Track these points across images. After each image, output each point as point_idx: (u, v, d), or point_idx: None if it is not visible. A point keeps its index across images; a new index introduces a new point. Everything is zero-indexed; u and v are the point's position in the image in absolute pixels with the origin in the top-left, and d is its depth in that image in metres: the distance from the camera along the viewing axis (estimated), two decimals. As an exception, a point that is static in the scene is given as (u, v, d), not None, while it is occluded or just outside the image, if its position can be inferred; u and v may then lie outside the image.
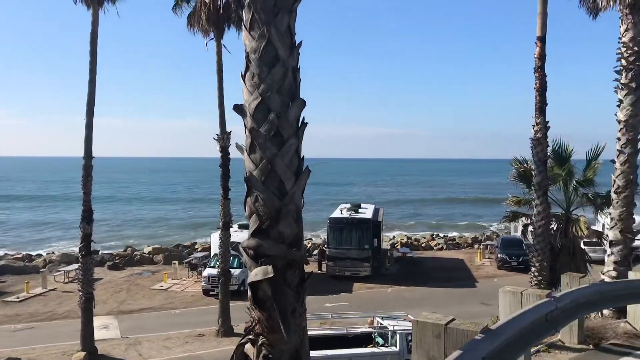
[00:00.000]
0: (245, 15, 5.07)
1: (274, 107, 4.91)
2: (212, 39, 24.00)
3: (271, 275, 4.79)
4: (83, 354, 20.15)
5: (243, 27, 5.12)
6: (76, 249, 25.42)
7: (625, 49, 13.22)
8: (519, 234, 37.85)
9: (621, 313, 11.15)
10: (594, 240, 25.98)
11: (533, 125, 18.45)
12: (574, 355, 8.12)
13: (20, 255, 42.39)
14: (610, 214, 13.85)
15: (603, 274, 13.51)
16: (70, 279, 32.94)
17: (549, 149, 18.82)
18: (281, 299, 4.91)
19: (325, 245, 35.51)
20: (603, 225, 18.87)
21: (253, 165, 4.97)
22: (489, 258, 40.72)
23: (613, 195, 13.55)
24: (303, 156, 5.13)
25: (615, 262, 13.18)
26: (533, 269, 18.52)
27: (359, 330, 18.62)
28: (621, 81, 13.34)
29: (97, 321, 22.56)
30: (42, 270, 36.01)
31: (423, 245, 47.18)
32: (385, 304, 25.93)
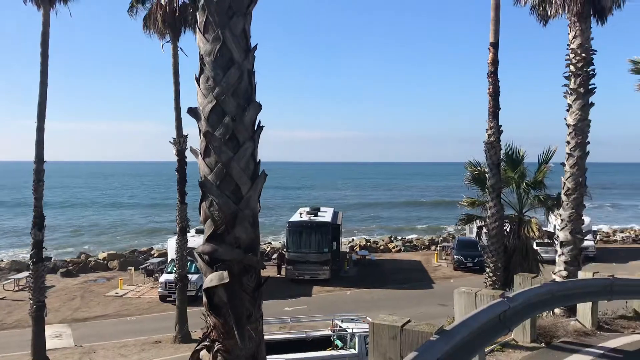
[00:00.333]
0: (200, 18, 5.02)
1: (229, 111, 4.87)
2: (168, 41, 23.69)
3: (227, 280, 4.74)
4: (34, 363, 19.53)
5: (197, 29, 5.07)
6: (27, 256, 24.60)
7: (573, 55, 13.67)
8: (474, 235, 38.67)
9: (571, 312, 11.51)
10: (545, 241, 26.73)
11: (487, 129, 18.90)
12: (526, 353, 8.30)
13: (-33, 264, 40.76)
14: (560, 215, 14.26)
15: (554, 273, 13.90)
16: (20, 287, 31.85)
17: (502, 152, 19.31)
18: (237, 304, 4.87)
19: (285, 249, 35.45)
20: (554, 226, 19.44)
21: (208, 170, 4.92)
22: (445, 259, 41.39)
23: (563, 197, 13.96)
24: (259, 160, 5.11)
25: (565, 262, 13.58)
26: (487, 269, 18.94)
27: (318, 333, 18.62)
28: (570, 86, 13.77)
29: (49, 330, 21.89)
30: (-9, 278, 34.72)
31: (382, 247, 47.58)
32: (345, 307, 26.05)
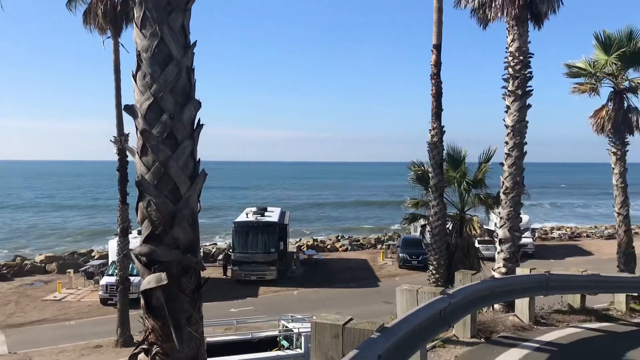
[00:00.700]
0: (137, 13, 4.88)
1: (167, 108, 4.76)
2: (109, 37, 23.03)
3: (165, 282, 4.64)
4: (-36, 373, 18.62)
5: (134, 24, 4.93)
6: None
7: (511, 58, 14.09)
8: (419, 234, 39.36)
9: (510, 307, 11.86)
10: (486, 238, 27.52)
11: (430, 130, 19.28)
12: (467, 349, 8.47)
13: None
14: (499, 213, 14.68)
15: (494, 270, 14.29)
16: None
17: (445, 152, 19.75)
18: (176, 307, 4.76)
19: (230, 250, 35.07)
20: (495, 224, 20.07)
21: (145, 169, 4.79)
22: (391, 258, 41.96)
23: (502, 196, 14.37)
24: (199, 159, 5.01)
25: (504, 259, 13.98)
26: (431, 267, 19.33)
27: (264, 334, 18.54)
28: (508, 88, 14.19)
29: (-19, 337, 20.90)
30: None
31: (329, 247, 47.80)
32: (291, 307, 25.99)
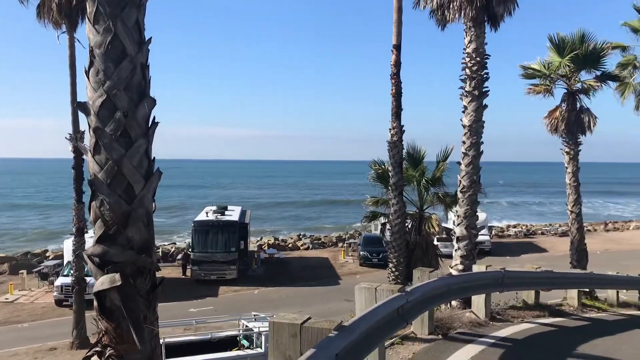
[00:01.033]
0: (89, 8, 4.76)
1: (120, 106, 4.66)
2: (64, 32, 22.44)
3: (119, 283, 4.54)
4: None
5: (87, 20, 4.81)
6: None
7: (469, 59, 14.33)
8: (379, 232, 39.70)
9: (467, 303, 12.06)
10: (445, 236, 27.99)
11: (390, 129, 19.47)
12: (424, 345, 8.57)
13: None
14: (457, 211, 14.92)
15: (451, 267, 14.53)
16: None
17: (404, 151, 19.98)
18: (131, 307, 4.68)
19: (190, 249, 34.67)
20: (453, 222, 20.44)
21: (98, 167, 4.68)
22: (352, 256, 42.21)
23: (459, 195, 14.61)
24: (154, 157, 4.93)
25: (461, 257, 14.22)
26: (391, 264, 19.53)
27: (224, 334, 18.40)
28: (466, 89, 14.43)
29: None
30: None
31: (290, 245, 47.78)
32: (252, 306, 25.82)
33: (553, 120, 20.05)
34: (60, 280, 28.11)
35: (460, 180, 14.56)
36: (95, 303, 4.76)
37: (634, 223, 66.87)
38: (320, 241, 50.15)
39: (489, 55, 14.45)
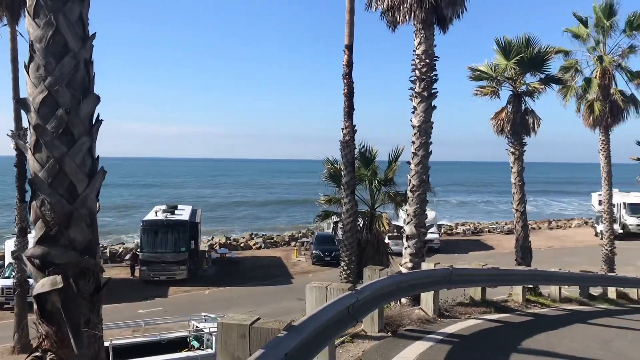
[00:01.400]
0: (29, 0, 4.58)
1: (62, 102, 4.51)
2: (5, 24, 21.62)
3: (60, 285, 4.40)
4: None
5: (26, 13, 4.63)
6: None
7: (418, 60, 14.55)
8: (331, 230, 39.81)
9: (416, 301, 12.24)
10: (396, 234, 28.37)
11: (342, 129, 19.58)
12: (374, 343, 8.66)
13: None
14: (407, 210, 15.14)
15: (401, 265, 14.72)
16: None
17: (357, 150, 20.15)
18: (73, 310, 4.53)
19: (139, 250, 33.98)
20: (404, 220, 20.75)
21: (38, 166, 4.52)
22: (304, 255, 42.27)
23: (409, 194, 14.82)
24: (98, 156, 4.79)
25: (411, 254, 14.43)
26: (343, 263, 19.65)
27: (174, 335, 18.16)
28: (415, 90, 14.64)
29: None
30: None
31: (242, 245, 47.43)
32: (203, 307, 25.54)
33: (499, 122, 20.61)
34: (0, 283, 27.12)
35: (410, 180, 14.77)
36: (35, 306, 4.59)
37: (576, 221, 69.50)
38: (272, 240, 49.99)
39: (438, 57, 14.72)
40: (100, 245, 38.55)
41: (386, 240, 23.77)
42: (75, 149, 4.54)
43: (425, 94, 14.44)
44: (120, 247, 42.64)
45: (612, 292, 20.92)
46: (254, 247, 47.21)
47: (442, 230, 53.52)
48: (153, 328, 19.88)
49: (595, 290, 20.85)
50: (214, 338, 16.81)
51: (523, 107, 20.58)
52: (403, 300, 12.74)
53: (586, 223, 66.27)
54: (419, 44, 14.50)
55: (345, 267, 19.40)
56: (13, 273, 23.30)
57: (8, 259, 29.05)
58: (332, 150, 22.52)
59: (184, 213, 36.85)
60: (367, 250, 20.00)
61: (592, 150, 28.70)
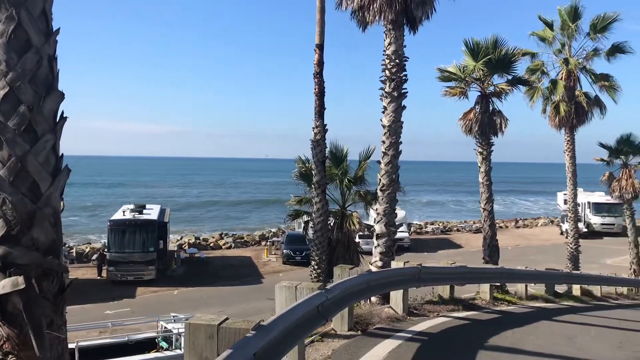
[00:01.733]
0: (-11, -7, 4.45)
1: (25, 99, 4.39)
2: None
3: (22, 286, 4.29)
4: None
5: (-14, 6, 4.49)
6: None
7: (388, 61, 14.62)
8: (302, 230, 39.80)
9: (385, 299, 12.31)
10: (366, 233, 28.51)
11: (313, 128, 19.60)
12: (344, 342, 8.67)
13: None
14: (377, 209, 15.22)
15: (371, 264, 14.79)
16: None
17: (327, 150, 20.19)
18: (35, 312, 4.42)
19: (106, 249, 33.43)
20: (374, 219, 20.88)
21: (-1, 164, 4.40)
22: (275, 254, 42.18)
23: (379, 193, 14.90)
24: (62, 154, 4.69)
25: (381, 253, 14.49)
26: (313, 262, 19.69)
27: (142, 336, 17.92)
28: (385, 90, 14.71)
29: None
30: None
31: (212, 245, 47.07)
32: (171, 307, 25.25)
33: (467, 122, 20.88)
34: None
35: (380, 179, 14.85)
36: (-5, 308, 4.47)
37: (542, 220, 70.95)
38: (242, 240, 49.74)
39: (408, 58, 14.82)
40: (67, 245, 38.29)
41: (356, 239, 23.94)
42: (39, 146, 4.44)
43: (395, 94, 14.52)
44: (87, 247, 41.90)
45: (576, 290, 21.36)
46: (223, 246, 46.89)
47: (411, 229, 54.03)
48: (121, 329, 19.59)
49: (560, 288, 21.26)
50: (182, 338, 16.64)
51: (491, 107, 20.88)
52: (373, 298, 12.78)
53: (552, 222, 67.72)
54: (389, 45, 14.57)
55: (316, 266, 19.43)
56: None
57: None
58: (304, 149, 22.48)
59: (152, 212, 36.41)
60: (338, 249, 20.08)
61: (557, 151, 29.38)
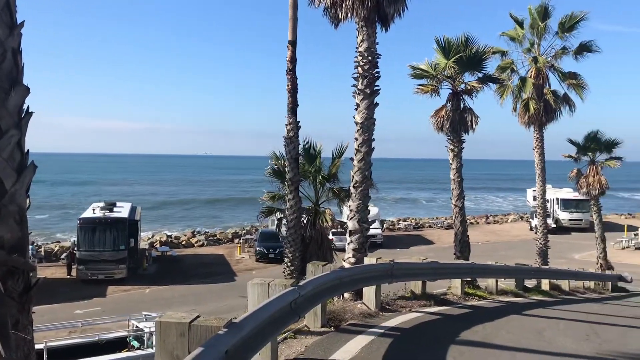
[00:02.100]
0: (-49, -14, 4.32)
1: (-12, 94, 4.28)
2: None
3: (-14, 285, 4.18)
4: None
5: (-53, -2, 4.36)
6: None
7: (361, 58, 14.63)
8: (275, 227, 39.70)
9: (358, 295, 12.36)
10: (339, 230, 28.58)
11: (286, 125, 19.55)
12: (317, 338, 8.69)
13: None
14: (350, 206, 15.26)
15: (344, 260, 14.82)
16: None
17: (301, 147, 20.14)
18: (0, 311, 4.31)
19: (75, 248, 32.88)
20: (347, 216, 20.90)
21: (-38, 160, 4.27)
22: (248, 252, 42.02)
23: (352, 190, 14.93)
24: (27, 150, 4.58)
25: (354, 250, 14.54)
26: (286, 259, 19.65)
27: (112, 335, 17.70)
28: (358, 87, 14.72)
29: None
30: None
31: (184, 242, 46.66)
32: (143, 306, 24.98)
33: (439, 119, 21.04)
34: None
35: (353, 176, 14.88)
36: (-42, 308, 4.35)
37: (512, 216, 72.06)
38: (215, 238, 49.43)
39: (380, 55, 14.85)
40: (35, 244, 37.55)
41: (330, 236, 23.96)
42: (3, 142, 4.32)
43: (368, 91, 14.55)
44: (56, 246, 41.16)
45: (545, 284, 21.79)
46: (196, 244, 46.53)
47: (384, 226, 54.36)
48: (91, 328, 19.30)
49: (530, 283, 21.66)
50: (154, 337, 16.47)
51: (462, 105, 21.05)
52: (346, 295, 12.82)
53: (521, 218, 68.86)
54: (361, 42, 14.58)
55: (289, 264, 19.41)
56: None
57: None
58: (277, 146, 22.34)
59: (122, 210, 35.95)
60: (311, 246, 20.06)
61: (527, 148, 29.84)
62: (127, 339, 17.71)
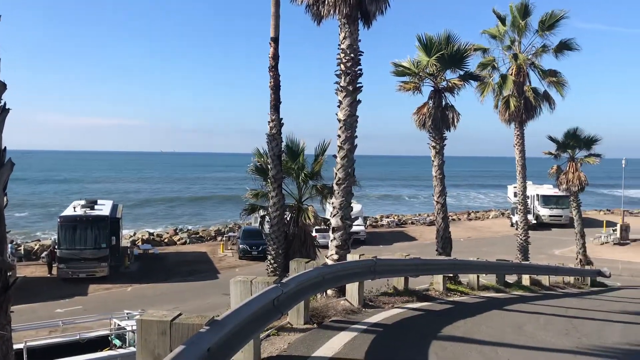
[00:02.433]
0: None
1: (-36, 90, 4.22)
2: None
3: (-37, 285, 4.13)
4: None
5: None
6: None
7: (343, 55, 14.65)
8: (259, 224, 39.62)
9: (341, 292, 12.40)
10: (323, 227, 28.61)
11: (269, 122, 19.49)
12: (300, 335, 8.69)
13: None
14: (333, 203, 15.28)
15: (327, 257, 14.85)
16: None
17: (284, 144, 20.11)
18: (-22, 311, 4.27)
19: (56, 246, 32.51)
20: (330, 213, 20.89)
21: (-63, 158, 4.21)
22: (231, 249, 41.87)
23: (335, 187, 14.96)
24: (5, 147, 4.51)
25: (337, 246, 14.58)
26: (269, 257, 19.62)
27: (94, 334, 17.54)
28: (340, 84, 14.74)
29: None
30: None
31: (166, 240, 46.35)
32: (125, 304, 24.77)
33: (421, 116, 21.13)
34: None
35: (336, 173, 14.90)
36: None
37: (493, 212, 72.73)
38: (198, 235, 49.18)
39: (363, 52, 14.88)
40: (14, 242, 37.05)
41: (313, 233, 23.96)
42: (-21, 139, 4.26)
43: (350, 88, 14.57)
44: (36, 244, 40.65)
45: (526, 280, 22.02)
46: (178, 242, 46.26)
47: (367, 223, 54.51)
48: (72, 327, 19.07)
49: (510, 278, 21.87)
50: (136, 336, 16.36)
51: (444, 102, 21.15)
52: (329, 291, 12.86)
53: (502, 214, 69.51)
54: (343, 39, 14.59)
55: (272, 261, 19.38)
56: None
57: None
58: (259, 144, 22.25)
59: (104, 208, 35.63)
60: (294, 244, 20.05)
61: (508, 145, 30.14)
62: (109, 338, 17.56)
